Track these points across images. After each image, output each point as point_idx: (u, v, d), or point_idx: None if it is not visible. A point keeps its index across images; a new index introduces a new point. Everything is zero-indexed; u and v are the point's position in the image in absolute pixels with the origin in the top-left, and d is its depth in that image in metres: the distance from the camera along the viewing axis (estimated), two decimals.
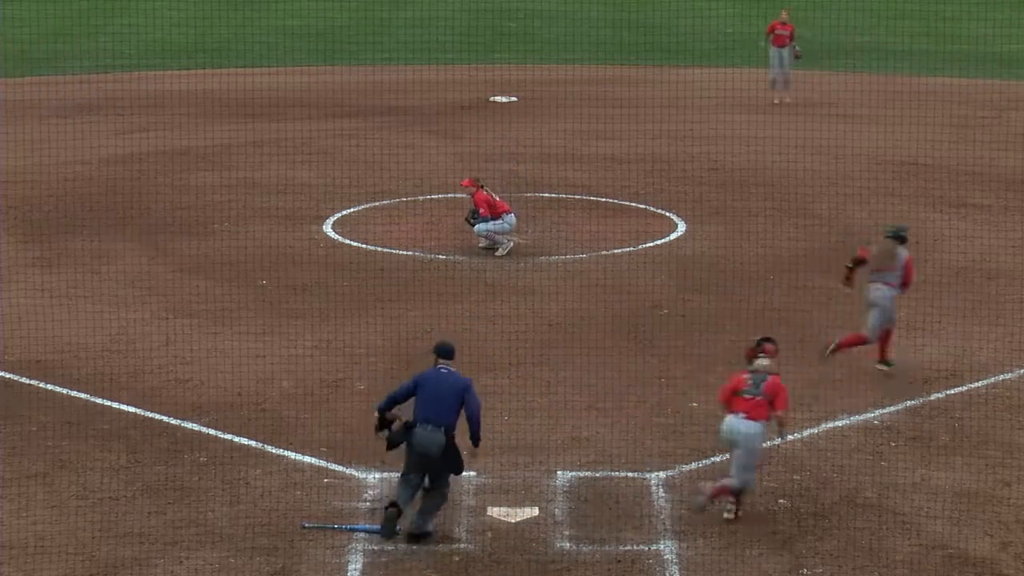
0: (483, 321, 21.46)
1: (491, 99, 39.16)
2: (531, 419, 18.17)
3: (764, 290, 23.30)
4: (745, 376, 16.08)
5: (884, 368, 20.24)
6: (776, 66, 38.38)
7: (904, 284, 20.16)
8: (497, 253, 25.10)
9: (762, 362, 16.20)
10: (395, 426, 15.58)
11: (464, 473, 15.89)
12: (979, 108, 35.68)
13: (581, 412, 18.60)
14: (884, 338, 20.25)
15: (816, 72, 39.22)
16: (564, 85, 40.70)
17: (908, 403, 19.09)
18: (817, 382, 19.51)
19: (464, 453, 15.68)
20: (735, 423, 15.88)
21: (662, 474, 16.86)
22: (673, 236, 26.23)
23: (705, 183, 29.59)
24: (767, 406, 15.89)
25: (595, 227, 26.65)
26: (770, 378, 16.03)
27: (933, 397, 19.29)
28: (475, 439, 15.61)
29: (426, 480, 15.60)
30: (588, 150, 32.92)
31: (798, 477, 16.93)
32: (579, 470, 16.94)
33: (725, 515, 15.90)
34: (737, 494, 15.90)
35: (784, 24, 38.23)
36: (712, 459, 16.99)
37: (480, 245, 25.39)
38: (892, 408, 18.94)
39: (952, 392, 19.43)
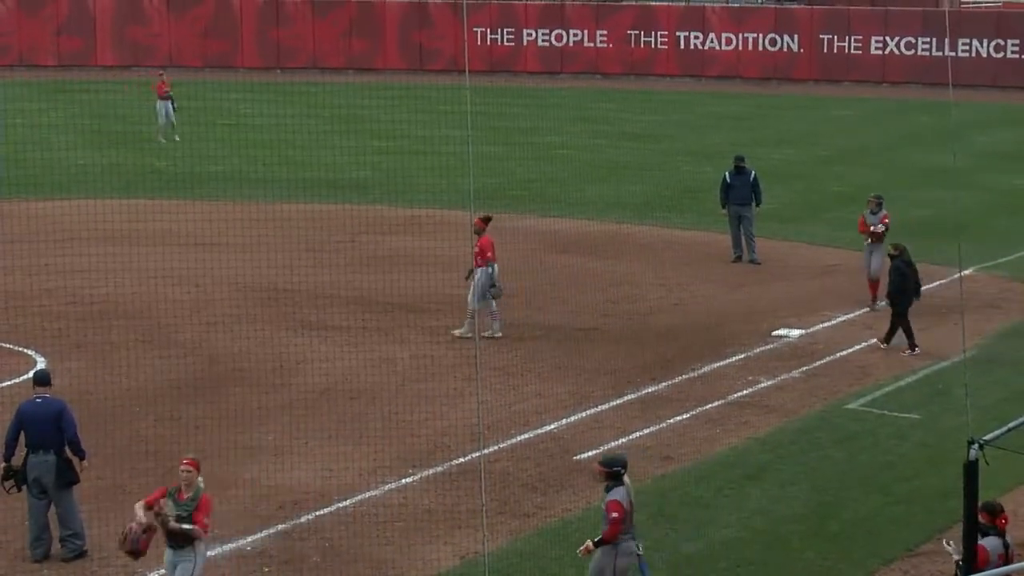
0: None
1: None
2: None
3: (130, 423, 22.96)
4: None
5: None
6: None
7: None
8: None
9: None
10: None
11: None
12: (333, 232, 36.66)
13: None
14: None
15: (190, 201, 39.24)
16: None
17: (279, 527, 19.24)
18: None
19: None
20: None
21: None
22: (32, 374, 25.33)
23: (64, 317, 28.91)
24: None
25: None
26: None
27: (303, 519, 19.52)
28: (79, 455, 18.25)
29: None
30: None
31: None
32: None
33: None
34: None
35: None
36: None
37: None
38: (263, 533, 19.03)
39: (321, 512, 19.72)
